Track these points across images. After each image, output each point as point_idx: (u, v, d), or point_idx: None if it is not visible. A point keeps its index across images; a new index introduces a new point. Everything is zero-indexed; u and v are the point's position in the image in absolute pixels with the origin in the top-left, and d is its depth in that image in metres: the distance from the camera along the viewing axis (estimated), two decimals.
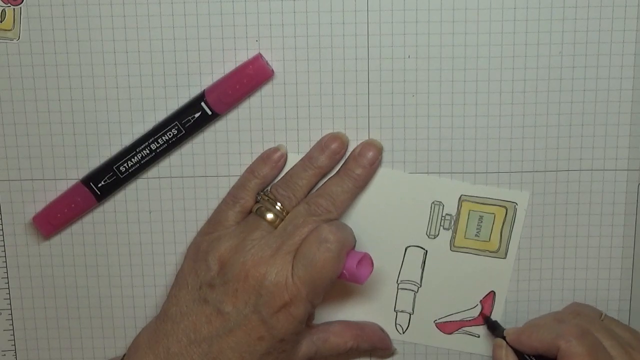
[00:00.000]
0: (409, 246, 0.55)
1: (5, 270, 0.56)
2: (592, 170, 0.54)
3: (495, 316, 0.56)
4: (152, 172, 0.54)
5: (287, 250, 0.50)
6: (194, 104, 0.52)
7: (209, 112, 0.52)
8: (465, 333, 0.56)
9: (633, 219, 0.54)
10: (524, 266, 0.55)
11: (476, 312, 0.56)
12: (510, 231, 0.54)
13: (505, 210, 0.54)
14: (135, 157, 0.53)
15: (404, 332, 0.56)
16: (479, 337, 0.56)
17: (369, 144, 0.53)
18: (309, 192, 0.53)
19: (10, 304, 0.56)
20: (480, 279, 0.55)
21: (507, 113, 0.53)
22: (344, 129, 0.53)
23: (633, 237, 0.55)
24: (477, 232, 0.54)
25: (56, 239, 0.55)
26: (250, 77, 0.52)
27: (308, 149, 0.53)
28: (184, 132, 0.52)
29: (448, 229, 0.54)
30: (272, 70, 0.52)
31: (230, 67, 0.52)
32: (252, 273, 0.49)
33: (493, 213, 0.54)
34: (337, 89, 0.53)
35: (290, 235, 0.50)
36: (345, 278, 0.51)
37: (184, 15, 0.52)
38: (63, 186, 0.54)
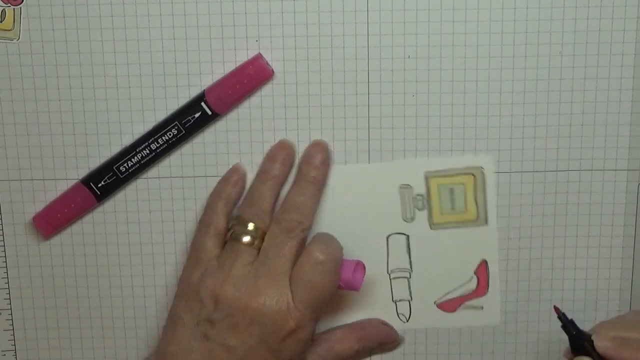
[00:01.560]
0: (390, 235, 0.55)
1: (5, 270, 0.56)
2: (592, 170, 0.54)
3: (494, 286, 0.55)
4: (152, 172, 0.54)
5: (279, 275, 0.49)
6: (194, 104, 0.52)
7: (209, 112, 0.52)
8: (469, 307, 0.56)
9: (633, 219, 0.54)
10: (524, 266, 0.55)
11: (473, 284, 0.55)
12: (485, 197, 0.54)
13: (473, 178, 0.54)
14: (135, 157, 0.53)
15: (407, 320, 0.56)
16: (482, 308, 0.56)
17: (315, 145, 0.53)
18: (274, 204, 0.53)
19: (10, 304, 0.56)
20: (468, 250, 0.55)
21: (507, 113, 0.53)
22: (344, 129, 0.53)
23: (633, 237, 0.55)
24: (452, 205, 0.54)
25: (56, 239, 0.55)
26: (250, 77, 0.52)
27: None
28: (184, 132, 0.52)
29: (422, 209, 0.54)
30: (272, 70, 0.52)
31: (230, 67, 0.52)
32: (250, 305, 0.49)
33: (462, 183, 0.54)
34: (337, 89, 0.53)
35: (274, 258, 0.50)
36: (341, 288, 0.51)
37: (184, 15, 0.52)
38: (63, 186, 0.54)
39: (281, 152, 0.53)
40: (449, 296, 0.56)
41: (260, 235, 0.51)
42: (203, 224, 0.53)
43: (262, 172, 0.53)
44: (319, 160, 0.53)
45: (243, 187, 0.53)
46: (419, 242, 0.55)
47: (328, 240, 0.52)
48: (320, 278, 0.49)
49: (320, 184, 0.53)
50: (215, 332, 0.49)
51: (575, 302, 0.56)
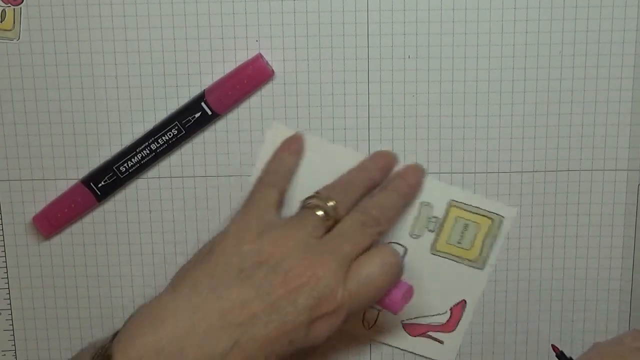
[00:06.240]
0: (390, 242, 0.55)
1: (5, 270, 0.56)
2: (592, 170, 0.54)
3: (462, 326, 0.55)
4: (152, 172, 0.54)
5: (344, 258, 0.47)
6: (194, 104, 0.52)
7: (209, 112, 0.52)
8: (430, 338, 0.56)
9: (633, 219, 0.54)
10: (524, 266, 0.55)
11: (444, 318, 0.55)
12: (492, 243, 0.54)
13: (491, 222, 0.54)
14: (136, 157, 0.53)
15: (369, 328, 0.56)
16: (442, 343, 0.56)
17: (415, 167, 0.53)
18: (359, 198, 0.51)
19: (10, 304, 0.56)
20: (455, 286, 0.55)
21: (507, 113, 0.53)
22: (344, 128, 0.53)
23: (633, 237, 0.55)
24: (460, 239, 0.54)
25: (56, 239, 0.55)
26: (250, 77, 0.52)
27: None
28: (184, 132, 0.52)
29: (432, 231, 0.54)
30: (272, 71, 0.52)
31: (230, 67, 0.52)
32: (305, 273, 0.46)
33: (479, 222, 0.54)
34: (337, 89, 0.53)
35: (344, 242, 0.48)
36: (382, 304, 0.49)
37: (184, 15, 0.52)
38: (63, 186, 0.54)
39: (383, 159, 0.52)
40: (418, 321, 0.56)
41: (334, 217, 0.49)
42: (264, 184, 0.51)
43: (360, 168, 0.52)
44: (414, 181, 0.53)
45: (300, 155, 0.53)
46: (414, 261, 0.55)
47: (398, 252, 0.50)
48: (382, 279, 0.48)
49: (407, 202, 0.53)
50: (259, 281, 0.46)
51: (576, 303, 0.56)
